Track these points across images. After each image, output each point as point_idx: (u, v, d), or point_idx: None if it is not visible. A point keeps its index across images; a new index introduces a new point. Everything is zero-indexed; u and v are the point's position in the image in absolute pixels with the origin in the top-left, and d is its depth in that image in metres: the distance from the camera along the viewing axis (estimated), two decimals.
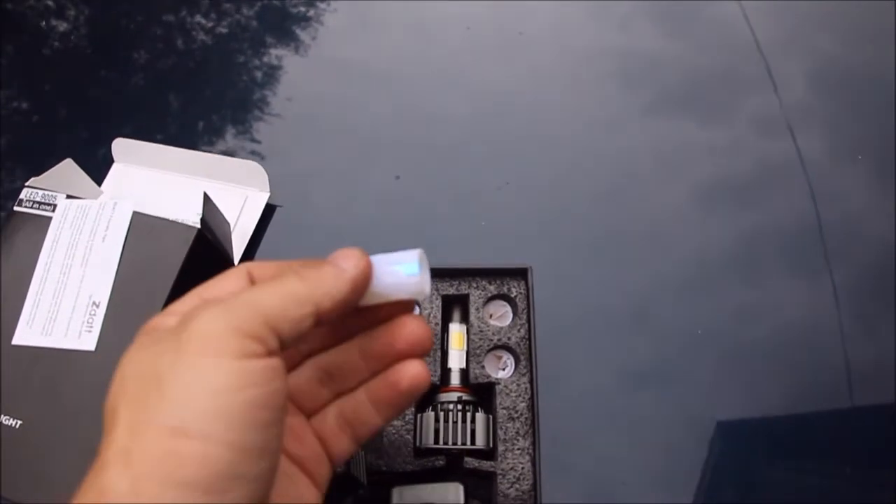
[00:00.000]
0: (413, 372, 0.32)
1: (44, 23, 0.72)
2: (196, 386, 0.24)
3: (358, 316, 0.33)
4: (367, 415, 0.33)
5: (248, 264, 0.32)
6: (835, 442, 0.48)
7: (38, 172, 0.48)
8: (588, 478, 0.46)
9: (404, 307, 0.33)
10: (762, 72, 0.62)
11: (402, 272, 0.31)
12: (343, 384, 0.34)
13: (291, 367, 0.33)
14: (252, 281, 0.31)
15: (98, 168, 0.56)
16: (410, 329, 0.32)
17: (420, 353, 0.33)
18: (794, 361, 0.50)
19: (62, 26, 0.73)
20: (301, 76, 0.66)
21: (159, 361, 0.25)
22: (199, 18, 0.73)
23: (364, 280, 0.30)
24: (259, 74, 0.67)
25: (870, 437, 0.49)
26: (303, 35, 0.69)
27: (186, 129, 0.62)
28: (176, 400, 0.24)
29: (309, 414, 0.34)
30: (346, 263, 0.29)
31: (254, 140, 0.62)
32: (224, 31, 0.72)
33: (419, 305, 0.47)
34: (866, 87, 0.62)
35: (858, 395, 0.49)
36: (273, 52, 0.68)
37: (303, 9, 0.71)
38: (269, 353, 0.26)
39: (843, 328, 0.51)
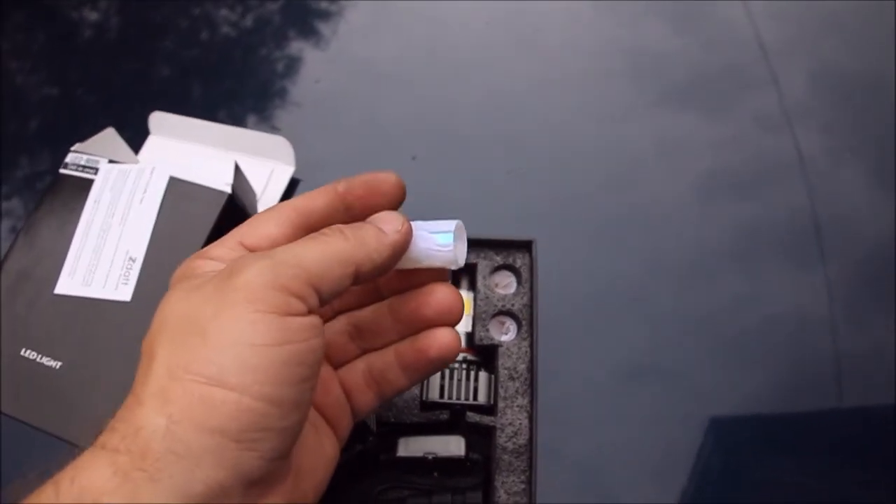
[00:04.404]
0: (442, 341, 0.32)
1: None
2: (237, 338, 0.24)
3: (392, 278, 0.34)
4: (393, 375, 0.33)
5: (295, 204, 0.31)
6: (827, 438, 0.50)
7: (64, 156, 0.51)
8: (580, 434, 0.49)
9: (438, 274, 0.33)
10: (765, 71, 0.65)
11: (436, 240, 0.31)
12: (372, 341, 0.34)
13: (324, 319, 0.32)
14: (302, 225, 0.31)
15: None
16: (440, 297, 0.32)
17: (449, 322, 0.33)
18: (787, 354, 0.52)
19: (93, 16, 0.77)
20: (322, 66, 0.69)
21: (202, 309, 0.25)
22: (224, 12, 0.76)
23: (404, 245, 0.30)
24: (280, 66, 0.71)
25: (863, 435, 0.50)
26: (324, 29, 0.72)
27: (208, 117, 0.64)
28: (216, 350, 0.24)
29: (337, 365, 0.34)
30: (388, 226, 0.30)
31: (272, 126, 0.65)
32: (248, 24, 0.75)
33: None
34: (866, 88, 0.65)
35: (852, 391, 0.51)
36: (293, 43, 0.71)
37: (325, 4, 0.75)
38: (310, 311, 0.26)
39: (836, 323, 0.53)
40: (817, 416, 0.51)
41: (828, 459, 0.50)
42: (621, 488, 0.48)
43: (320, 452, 0.32)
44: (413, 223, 0.31)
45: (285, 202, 0.32)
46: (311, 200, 0.32)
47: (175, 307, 0.27)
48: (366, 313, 0.35)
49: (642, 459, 0.49)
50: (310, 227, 0.31)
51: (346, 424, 0.34)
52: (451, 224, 0.32)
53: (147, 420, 0.24)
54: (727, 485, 0.48)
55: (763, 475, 0.49)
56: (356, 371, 0.34)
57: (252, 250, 0.30)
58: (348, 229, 0.29)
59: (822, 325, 0.53)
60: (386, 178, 0.32)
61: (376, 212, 0.32)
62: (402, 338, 0.34)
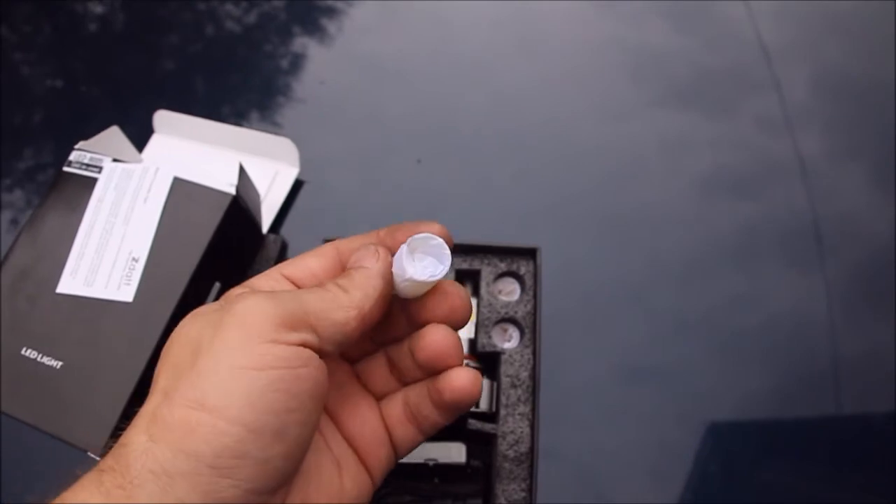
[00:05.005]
0: (456, 384, 0.31)
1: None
2: (222, 361, 0.25)
3: (411, 312, 0.33)
4: (427, 410, 0.33)
5: (337, 244, 0.33)
6: (825, 439, 0.50)
7: (68, 149, 0.51)
8: (582, 442, 0.49)
9: (444, 312, 0.32)
10: (766, 72, 0.65)
11: (401, 253, 0.31)
12: (405, 376, 0.34)
13: (366, 353, 0.34)
14: (342, 264, 0.32)
15: None
16: (429, 340, 0.31)
17: (443, 368, 0.31)
18: (786, 355, 0.52)
19: (98, 9, 0.76)
20: (327, 65, 0.69)
21: (202, 334, 0.26)
22: (229, 7, 0.76)
23: (388, 269, 0.30)
24: (285, 62, 0.70)
25: (861, 436, 0.50)
26: (330, 26, 0.72)
27: (212, 113, 0.64)
28: (202, 373, 0.25)
29: (379, 397, 0.34)
30: (368, 261, 0.30)
31: (276, 124, 0.65)
32: (252, 20, 0.75)
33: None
34: (867, 90, 0.65)
35: (851, 392, 0.51)
36: (299, 41, 0.71)
37: (330, 2, 0.74)
38: (302, 344, 0.26)
39: (835, 324, 0.53)
40: (816, 417, 0.51)
41: (826, 461, 0.50)
42: (623, 497, 0.48)
43: (334, 490, 0.31)
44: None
45: (331, 242, 0.33)
46: (354, 242, 0.33)
47: (183, 331, 0.28)
48: (397, 347, 0.34)
49: (645, 467, 0.49)
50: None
51: (382, 458, 0.33)
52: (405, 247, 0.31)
53: (132, 438, 0.24)
54: (726, 486, 0.48)
55: (762, 476, 0.49)
56: (397, 403, 0.34)
57: (293, 282, 0.32)
58: (341, 279, 0.30)
59: (822, 326, 0.53)
60: (428, 229, 0.32)
61: None
62: (427, 375, 0.33)
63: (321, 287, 0.29)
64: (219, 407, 0.24)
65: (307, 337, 0.27)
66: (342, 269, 0.32)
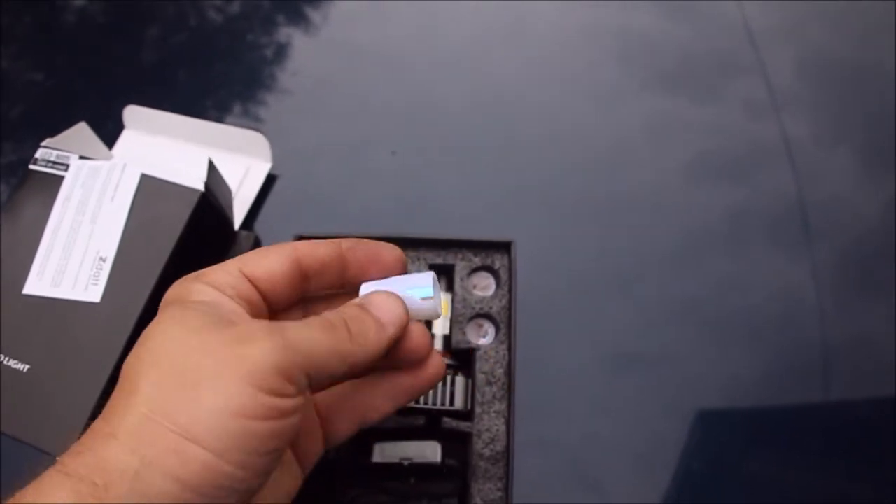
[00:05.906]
0: (434, 362, 0.34)
1: None
2: (226, 405, 0.26)
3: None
4: (378, 400, 0.34)
5: (298, 246, 0.33)
6: (814, 426, 0.49)
7: None
8: (559, 439, 0.48)
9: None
10: (753, 56, 0.64)
11: (416, 297, 0.32)
12: None
13: (291, 306, 0.35)
14: (301, 267, 0.33)
15: (106, 139, 0.58)
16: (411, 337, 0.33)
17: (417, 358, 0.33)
18: (775, 341, 0.51)
19: (79, 1, 0.75)
20: (309, 56, 0.68)
21: (202, 361, 0.27)
22: None
23: (398, 337, 0.32)
24: (268, 53, 0.69)
25: (849, 423, 0.50)
26: (314, 15, 0.71)
27: (194, 105, 0.63)
28: (202, 409, 0.25)
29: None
30: (388, 318, 0.31)
31: (257, 119, 0.64)
32: (236, 10, 0.74)
33: None
34: (854, 73, 0.64)
35: (839, 378, 0.50)
36: (283, 30, 0.70)
37: None
38: (298, 393, 0.28)
39: (824, 309, 0.52)
40: (805, 404, 0.50)
41: (816, 447, 0.49)
42: (605, 493, 0.47)
43: (276, 488, 0.32)
44: (386, 283, 0.32)
45: (291, 243, 0.33)
46: (315, 248, 0.33)
47: (171, 345, 0.27)
48: (325, 302, 0.35)
49: (628, 460, 0.48)
50: (307, 271, 0.33)
51: (315, 452, 0.34)
52: (426, 278, 0.32)
53: (117, 457, 0.25)
54: (715, 476, 0.48)
55: (750, 465, 0.48)
56: (336, 395, 0.34)
57: (252, 281, 0.32)
58: (353, 324, 0.30)
59: (810, 311, 0.52)
60: (389, 252, 0.34)
61: (369, 278, 0.34)
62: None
63: (332, 325, 0.30)
64: (216, 448, 0.25)
65: (303, 387, 0.28)
66: (301, 278, 0.33)
